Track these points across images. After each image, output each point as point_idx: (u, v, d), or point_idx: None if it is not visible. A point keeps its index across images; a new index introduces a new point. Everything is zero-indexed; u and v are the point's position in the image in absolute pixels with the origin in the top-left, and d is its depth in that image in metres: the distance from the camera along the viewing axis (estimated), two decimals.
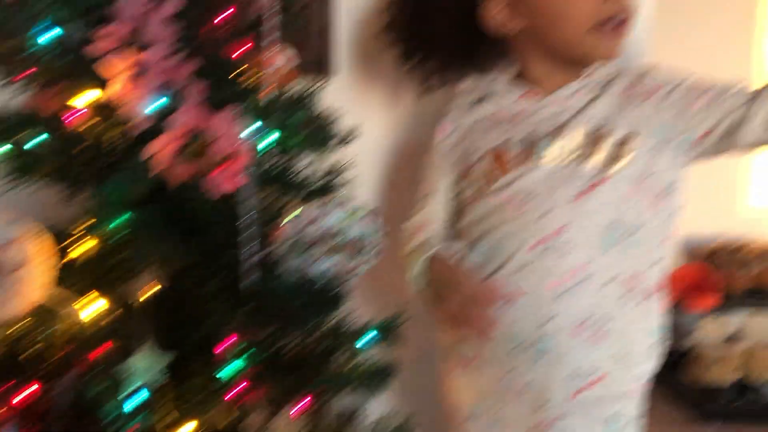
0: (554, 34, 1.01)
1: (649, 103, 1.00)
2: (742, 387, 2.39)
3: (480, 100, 1.09)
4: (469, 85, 1.12)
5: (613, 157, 0.98)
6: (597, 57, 1.02)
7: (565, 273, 0.96)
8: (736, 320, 2.53)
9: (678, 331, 2.84)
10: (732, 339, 2.53)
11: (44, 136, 0.84)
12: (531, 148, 1.01)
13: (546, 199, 0.98)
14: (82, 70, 0.78)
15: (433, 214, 1.11)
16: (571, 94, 1.03)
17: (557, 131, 1.00)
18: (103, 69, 0.76)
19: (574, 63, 1.03)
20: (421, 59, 1.16)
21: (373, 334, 0.98)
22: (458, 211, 1.10)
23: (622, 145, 0.98)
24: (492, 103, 1.08)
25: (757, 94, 0.96)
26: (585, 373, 0.98)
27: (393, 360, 1.00)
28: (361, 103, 1.34)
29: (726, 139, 0.98)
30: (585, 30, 0.98)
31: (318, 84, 0.97)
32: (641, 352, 1.00)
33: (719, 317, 2.51)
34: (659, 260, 1.00)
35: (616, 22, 0.97)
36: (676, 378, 2.71)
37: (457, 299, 0.95)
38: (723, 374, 2.46)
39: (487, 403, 1.05)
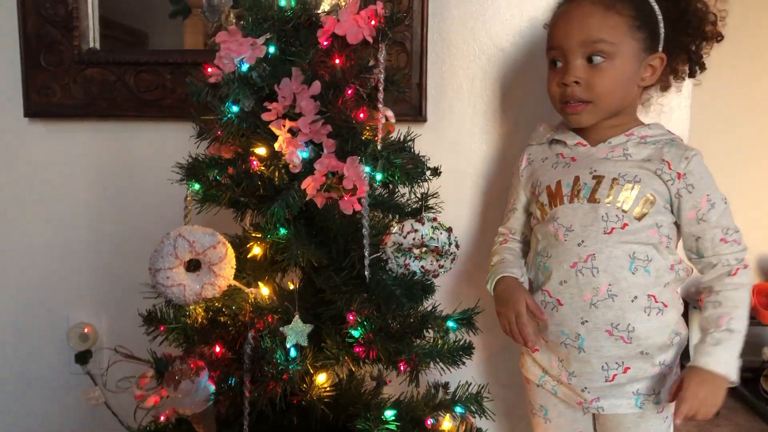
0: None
1: (670, 183, 1.23)
2: None
3: (551, 142, 1.38)
4: (544, 128, 1.40)
5: (635, 207, 1.22)
6: (571, 125, 1.31)
7: (596, 289, 1.22)
8: None
9: (753, 343, 2.95)
10: None
11: (224, 173, 1.22)
12: (576, 189, 1.27)
13: (581, 232, 1.24)
14: (255, 131, 1.15)
15: (513, 226, 1.44)
16: (611, 148, 1.28)
17: (598, 179, 1.25)
18: (270, 130, 1.13)
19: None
20: None
21: (457, 318, 1.29)
22: (530, 225, 1.41)
23: (643, 199, 1.22)
24: (558, 145, 1.36)
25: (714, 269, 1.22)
26: (615, 364, 1.24)
27: (471, 341, 1.30)
28: (443, 142, 1.68)
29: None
30: (558, 106, 1.29)
31: (413, 133, 1.28)
32: (660, 348, 1.24)
33: None
34: (669, 283, 1.24)
35: (573, 103, 1.25)
36: (754, 387, 2.81)
37: (508, 317, 1.28)
38: None
39: (548, 379, 1.34)
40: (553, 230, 1.28)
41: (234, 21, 1.78)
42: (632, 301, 1.21)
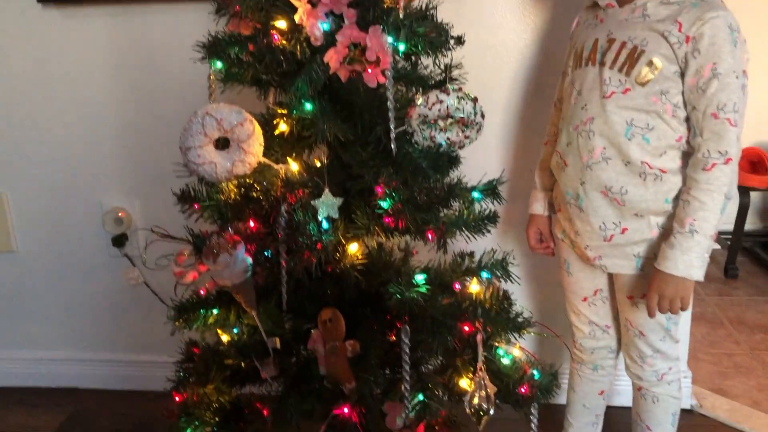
0: None
1: (677, 47, 1.15)
2: None
3: (592, 4, 1.33)
4: None
5: (638, 72, 1.18)
6: None
7: (591, 151, 1.25)
8: None
9: None
10: None
11: (245, 50, 1.21)
12: (593, 52, 1.25)
13: (586, 95, 1.25)
14: (274, 3, 1.13)
15: (560, 92, 1.44)
16: (633, 9, 1.21)
17: (611, 42, 1.22)
18: (290, 2, 1.10)
19: None
20: None
21: (482, 189, 1.31)
22: None
23: (651, 65, 1.17)
24: (594, 7, 1.32)
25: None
26: (612, 224, 1.27)
27: (496, 210, 1.32)
28: (466, 13, 1.64)
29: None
30: None
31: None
32: (656, 213, 1.24)
33: None
34: (668, 151, 1.21)
35: None
36: None
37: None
38: None
39: (566, 236, 1.42)
40: (569, 93, 1.31)
41: None
42: (625, 165, 1.23)
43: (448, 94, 1.15)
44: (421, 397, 1.16)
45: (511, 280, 1.33)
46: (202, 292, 1.33)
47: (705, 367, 2.14)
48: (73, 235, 2.01)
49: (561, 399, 1.56)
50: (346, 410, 1.18)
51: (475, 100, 1.17)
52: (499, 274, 1.33)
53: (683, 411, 1.86)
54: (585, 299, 1.47)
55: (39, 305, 2.10)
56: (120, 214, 1.93)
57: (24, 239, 2.04)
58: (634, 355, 1.40)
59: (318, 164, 1.25)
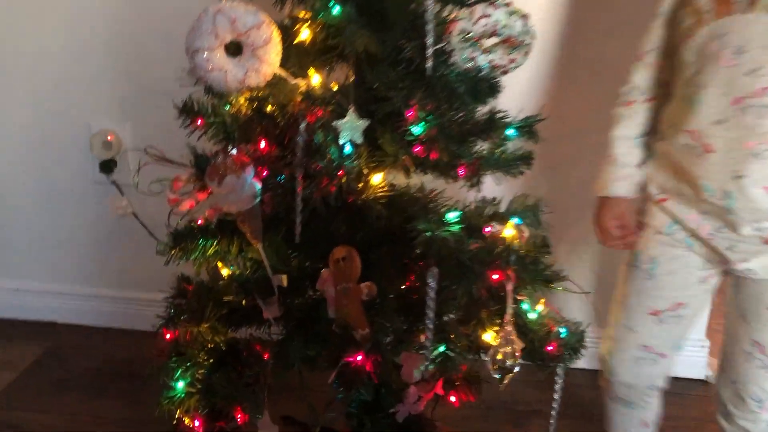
0: None
1: None
2: None
3: None
4: None
5: None
6: None
7: (764, 135, 0.95)
8: None
9: None
10: None
11: None
12: None
13: (758, 55, 0.94)
14: None
15: (639, 82, 1.14)
16: None
17: None
18: None
19: None
20: None
21: (518, 126, 1.18)
22: (675, 43, 1.09)
23: None
24: None
25: None
26: None
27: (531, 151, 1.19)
28: None
29: None
30: None
31: None
32: None
33: None
34: None
35: None
36: None
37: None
38: None
39: (678, 229, 1.14)
40: (714, 50, 0.98)
41: None
42: None
43: (497, 8, 1.01)
44: (442, 348, 1.04)
45: (542, 229, 1.21)
46: (199, 222, 1.20)
47: (720, 338, 2.06)
48: (58, 158, 1.87)
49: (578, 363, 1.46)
50: (359, 358, 1.06)
51: (525, 17, 1.03)
52: (528, 222, 1.21)
53: (697, 381, 1.79)
54: (657, 313, 1.19)
55: (19, 232, 1.97)
56: (109, 138, 1.77)
57: (4, 161, 1.89)
58: (750, 397, 1.15)
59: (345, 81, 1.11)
